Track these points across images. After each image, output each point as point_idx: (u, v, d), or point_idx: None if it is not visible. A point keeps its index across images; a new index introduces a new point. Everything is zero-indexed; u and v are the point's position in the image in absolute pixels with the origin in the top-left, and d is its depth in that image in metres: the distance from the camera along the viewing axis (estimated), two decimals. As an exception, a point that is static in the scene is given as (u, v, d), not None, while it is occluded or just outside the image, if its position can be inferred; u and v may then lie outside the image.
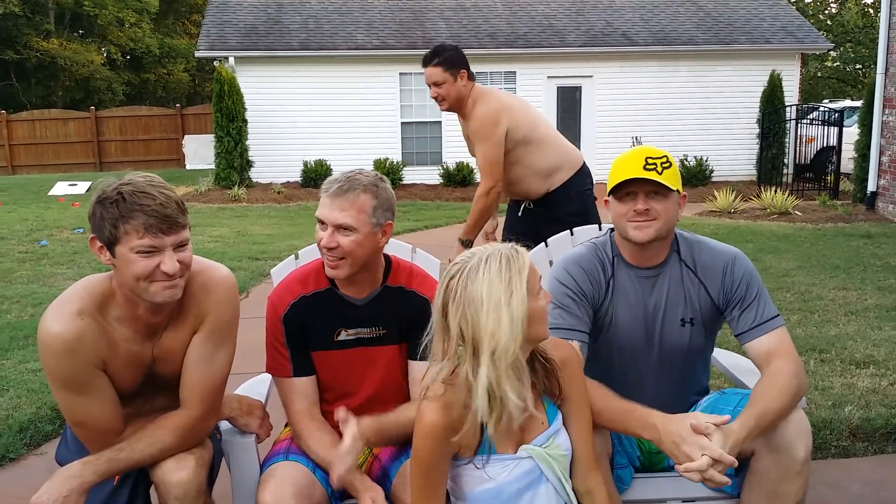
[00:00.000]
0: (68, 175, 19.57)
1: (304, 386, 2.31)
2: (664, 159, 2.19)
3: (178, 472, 2.05)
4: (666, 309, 2.32)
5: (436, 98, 4.05)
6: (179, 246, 1.97)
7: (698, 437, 1.95)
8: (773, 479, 2.10)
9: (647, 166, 2.17)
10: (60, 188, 16.36)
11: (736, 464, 1.94)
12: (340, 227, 2.14)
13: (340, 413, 2.13)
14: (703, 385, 2.50)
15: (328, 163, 15.76)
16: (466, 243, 4.04)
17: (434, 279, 2.45)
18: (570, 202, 4.03)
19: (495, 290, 1.73)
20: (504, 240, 2.92)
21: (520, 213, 4.26)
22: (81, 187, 16.34)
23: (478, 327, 1.73)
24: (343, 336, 2.31)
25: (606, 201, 2.32)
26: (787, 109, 15.80)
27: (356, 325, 2.31)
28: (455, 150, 16.31)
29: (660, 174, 2.16)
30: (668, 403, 2.21)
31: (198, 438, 2.15)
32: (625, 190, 2.20)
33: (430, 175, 16.32)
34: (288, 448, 2.30)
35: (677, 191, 2.22)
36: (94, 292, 2.03)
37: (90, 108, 24.13)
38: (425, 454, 1.86)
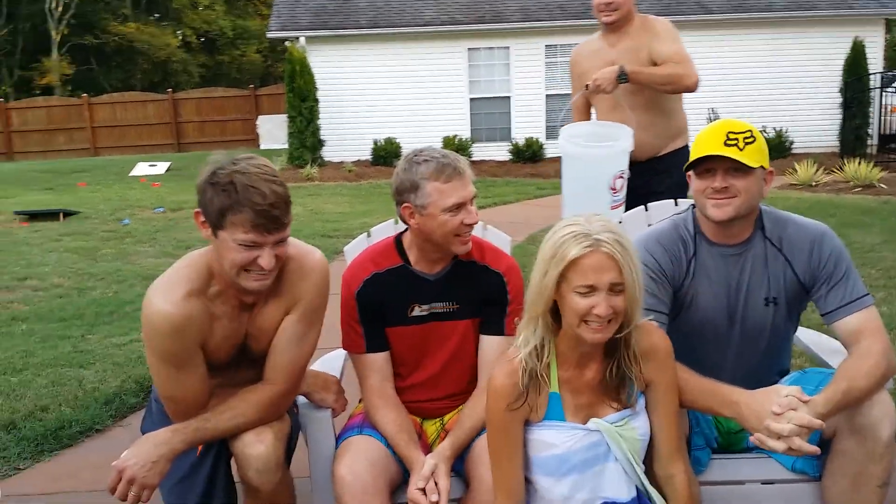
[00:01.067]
0: (148, 156, 20.13)
1: (377, 362, 2.34)
2: (748, 134, 2.11)
3: (258, 446, 2.10)
4: (749, 288, 2.25)
5: (608, 5, 3.87)
6: (279, 242, 2.01)
7: (783, 407, 1.92)
8: (857, 461, 2.04)
9: (728, 141, 2.10)
10: (141, 169, 16.85)
11: (823, 426, 1.89)
12: (471, 201, 2.21)
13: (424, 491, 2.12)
14: (785, 366, 2.44)
15: (398, 140, 15.82)
16: (622, 78, 3.63)
17: (506, 254, 2.45)
18: (675, 173, 3.51)
19: (542, 259, 1.87)
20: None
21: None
22: (161, 168, 16.80)
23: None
24: (417, 312, 2.33)
25: (689, 175, 2.27)
26: (871, 78, 15.16)
27: (429, 301, 2.33)
28: (524, 126, 16.18)
29: (741, 150, 2.09)
30: (749, 383, 2.17)
31: (278, 413, 2.20)
32: (704, 166, 2.14)
33: (499, 151, 16.23)
34: (362, 423, 2.34)
35: (762, 167, 2.14)
36: (200, 271, 2.08)
37: (167, 91, 24.74)
38: (494, 416, 1.94)
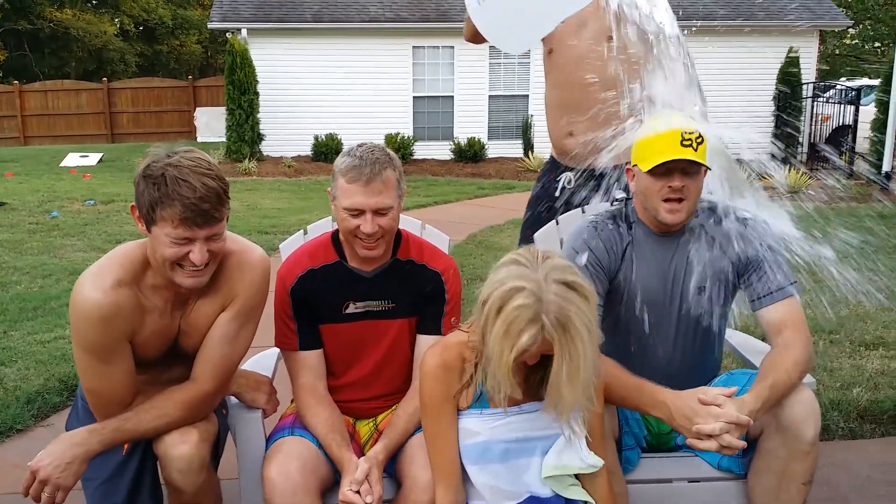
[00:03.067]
0: (80, 146, 19.59)
1: (310, 359, 2.31)
2: (698, 135, 2.17)
3: (181, 446, 2.05)
4: (685, 275, 2.30)
5: None
6: (212, 237, 1.96)
7: (710, 408, 1.95)
8: (781, 459, 2.09)
9: (684, 142, 2.15)
10: (72, 159, 16.38)
11: (751, 422, 1.93)
12: (378, 211, 2.14)
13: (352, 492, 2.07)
14: (718, 359, 2.50)
15: (339, 136, 15.70)
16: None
17: (444, 254, 2.43)
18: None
19: (495, 334, 1.73)
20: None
21: (558, 194, 3.12)
22: (93, 159, 16.36)
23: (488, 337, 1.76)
24: (351, 309, 2.31)
25: (629, 170, 2.31)
26: (804, 87, 15.60)
27: (365, 298, 2.31)
28: (467, 126, 16.23)
29: (695, 150, 2.15)
30: (685, 374, 2.23)
31: (204, 413, 2.16)
32: (663, 167, 2.18)
33: (441, 150, 16.25)
34: (293, 423, 2.30)
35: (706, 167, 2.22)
36: (133, 261, 2.03)
37: (102, 80, 24.09)
38: (427, 396, 1.96)
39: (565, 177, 3.06)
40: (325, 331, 2.33)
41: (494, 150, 16.33)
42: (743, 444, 1.94)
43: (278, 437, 2.25)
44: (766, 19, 16.34)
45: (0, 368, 4.26)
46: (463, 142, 16.02)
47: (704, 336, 2.37)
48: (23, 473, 3.15)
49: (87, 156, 16.71)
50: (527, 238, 2.98)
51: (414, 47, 16.21)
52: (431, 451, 2.00)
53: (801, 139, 15.79)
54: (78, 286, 1.98)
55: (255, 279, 2.15)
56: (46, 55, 32.34)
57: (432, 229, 2.86)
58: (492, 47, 16.27)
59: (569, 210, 2.92)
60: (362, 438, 2.38)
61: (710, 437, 1.93)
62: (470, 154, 15.92)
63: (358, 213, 2.14)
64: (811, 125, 15.63)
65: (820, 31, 17.07)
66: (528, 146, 16.14)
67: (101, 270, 2.00)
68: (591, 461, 1.93)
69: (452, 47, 16.20)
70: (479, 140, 15.92)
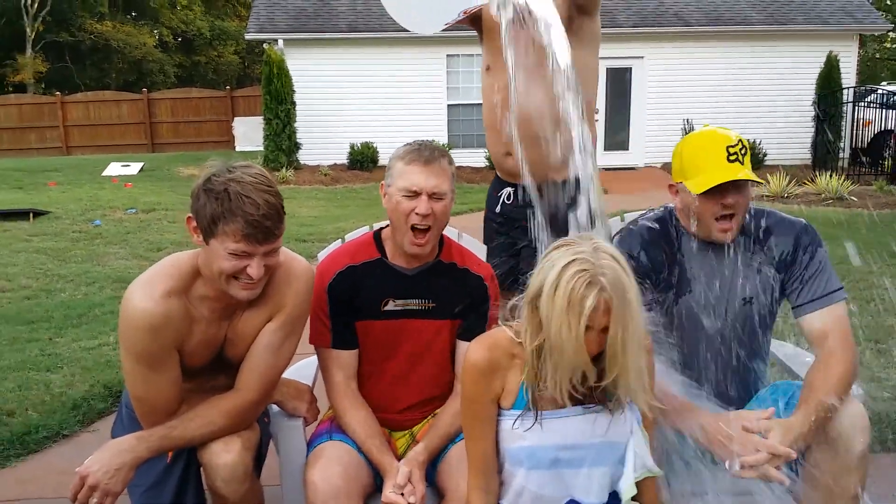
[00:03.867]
0: (121, 156, 19.92)
1: (343, 358, 2.31)
2: (740, 145, 2.12)
3: (225, 455, 2.07)
4: (732, 285, 2.26)
5: None
6: (270, 252, 1.99)
7: (751, 436, 1.92)
8: (830, 474, 2.04)
9: (730, 157, 2.10)
10: (114, 169, 16.65)
11: (794, 455, 1.90)
12: (433, 195, 2.15)
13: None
14: (764, 369, 2.45)
15: (374, 145, 15.79)
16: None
17: (484, 262, 2.43)
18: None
19: (559, 309, 1.69)
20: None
21: (498, 209, 3.04)
22: (134, 168, 16.63)
23: (549, 328, 1.72)
24: (390, 306, 2.30)
25: (673, 187, 2.26)
26: (844, 92, 15.37)
27: (404, 296, 2.30)
28: (502, 133, 16.22)
29: (742, 164, 2.10)
30: (731, 384, 2.19)
31: (248, 422, 2.18)
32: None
33: (476, 158, 16.24)
34: (330, 428, 2.31)
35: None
36: (183, 271, 2.05)
37: (142, 90, 24.50)
38: (468, 391, 1.92)
39: (505, 192, 3.01)
40: (361, 328, 2.32)
41: (529, 157, 16.29)
42: (785, 479, 1.90)
43: (318, 443, 2.26)
44: (804, 24, 16.13)
45: (46, 374, 4.35)
46: (498, 149, 15.99)
47: (751, 346, 2.34)
48: (69, 478, 3.20)
49: (128, 165, 16.98)
50: (490, 252, 2.91)
51: (448, 55, 16.25)
52: (468, 442, 1.98)
53: (841, 144, 15.54)
54: (128, 295, 2.01)
55: (300, 290, 2.17)
56: (87, 66, 32.99)
57: (469, 238, 2.86)
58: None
59: (510, 225, 2.93)
60: (399, 451, 2.37)
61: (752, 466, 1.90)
62: (505, 161, 15.88)
63: (414, 194, 2.14)
64: (852, 130, 15.38)
65: (860, 35, 16.82)
66: (564, 153, 16.07)
67: (152, 280, 2.03)
68: (652, 467, 1.91)
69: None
70: (514, 147, 15.92)
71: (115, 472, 1.96)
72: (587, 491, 1.93)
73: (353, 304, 2.29)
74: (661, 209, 2.39)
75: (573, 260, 1.69)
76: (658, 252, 2.28)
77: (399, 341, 2.33)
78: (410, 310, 2.31)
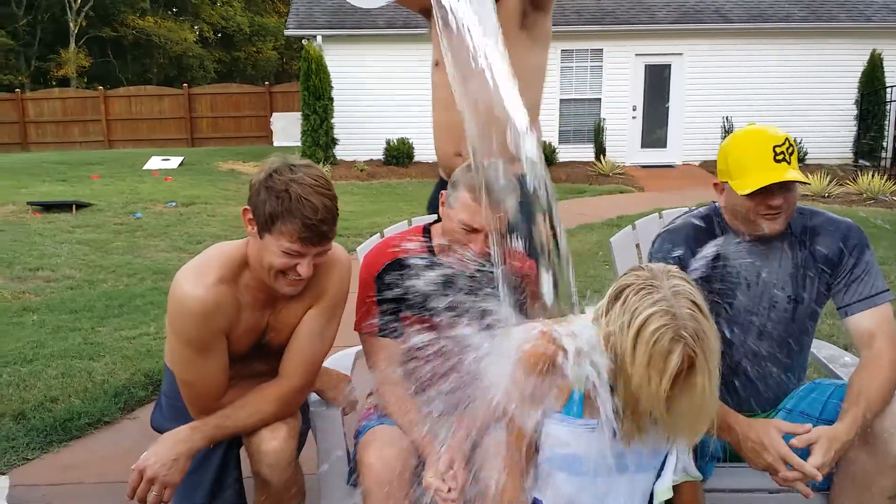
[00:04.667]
0: (162, 150, 20.21)
1: (389, 347, 2.32)
2: (788, 144, 2.08)
3: (272, 441, 2.11)
4: (774, 284, 2.24)
5: None
6: (321, 253, 2.03)
7: (779, 446, 1.92)
8: (868, 473, 2.03)
9: (777, 157, 2.06)
10: (154, 163, 16.91)
11: (820, 477, 1.90)
12: (478, 230, 2.17)
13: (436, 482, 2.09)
14: (804, 366, 2.42)
15: (410, 141, 15.83)
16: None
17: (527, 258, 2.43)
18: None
19: (639, 364, 1.64)
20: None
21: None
22: (174, 162, 16.86)
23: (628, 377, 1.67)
24: (437, 303, 2.29)
25: (718, 186, 2.24)
26: (888, 90, 15.08)
27: (454, 292, 2.28)
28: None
29: (789, 163, 2.07)
30: (770, 381, 2.19)
31: (295, 407, 2.22)
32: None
33: (512, 154, 16.21)
34: (378, 414, 2.32)
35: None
36: (233, 259, 2.09)
37: (183, 85, 24.83)
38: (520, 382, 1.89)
39: None
40: (409, 322, 2.32)
41: (565, 154, 16.23)
42: (811, 493, 1.91)
43: (368, 427, 2.27)
44: (847, 21, 15.85)
45: (88, 363, 4.44)
46: (534, 146, 15.93)
47: (793, 344, 2.31)
48: (110, 463, 3.29)
49: (168, 159, 17.23)
50: None
51: (486, 52, 16.20)
52: (510, 430, 1.96)
53: (884, 144, 15.25)
54: (179, 283, 2.04)
55: (341, 277, 2.20)
56: (129, 61, 33.52)
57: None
58: (563, 50, 16.24)
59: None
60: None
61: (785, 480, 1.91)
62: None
63: (473, 230, 2.17)
64: (895, 129, 15.08)
65: (906, 32, 16.49)
66: (600, 150, 16.00)
67: (202, 268, 2.06)
68: (694, 472, 1.90)
69: (524, 51, 16.15)
70: (549, 144, 15.85)
71: (172, 464, 2.00)
72: (629, 497, 1.92)
73: (400, 296, 2.29)
74: (708, 207, 2.37)
75: (654, 313, 1.63)
76: (701, 249, 2.25)
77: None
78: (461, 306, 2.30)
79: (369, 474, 2.10)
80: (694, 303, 1.66)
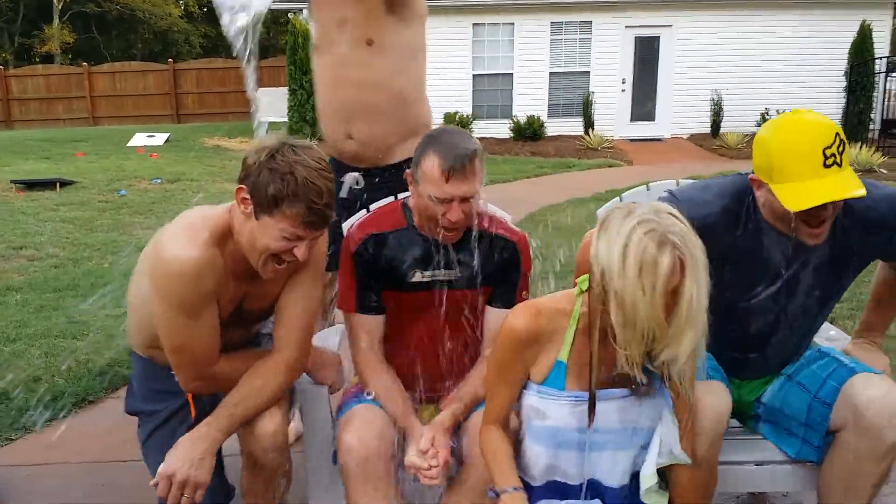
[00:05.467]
0: (147, 126, 20.03)
1: (368, 323, 2.29)
2: (839, 142, 1.86)
3: (269, 424, 2.08)
4: (799, 275, 2.12)
5: None
6: (318, 236, 1.98)
7: None
8: (857, 457, 2.01)
9: (828, 161, 1.85)
10: (139, 139, 16.76)
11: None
12: (464, 199, 2.09)
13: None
14: (813, 334, 2.34)
15: (399, 115, 15.69)
16: None
17: (515, 227, 2.39)
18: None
19: (635, 280, 1.60)
20: None
21: (345, 195, 2.91)
22: (159, 139, 16.72)
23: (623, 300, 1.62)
24: (418, 277, 2.25)
25: (756, 181, 2.02)
26: (877, 62, 15.05)
27: (433, 267, 2.24)
28: (526, 104, 16.10)
29: (840, 166, 1.86)
30: (775, 356, 2.23)
31: (295, 379, 2.18)
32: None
33: (500, 129, 16.15)
34: (358, 392, 2.30)
35: None
36: (219, 225, 2.00)
37: (168, 61, 24.56)
38: (501, 356, 1.90)
39: (350, 177, 2.93)
40: (389, 297, 2.28)
41: (554, 128, 16.17)
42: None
43: (349, 407, 2.24)
44: (838, -9, 15.77)
45: (72, 342, 4.41)
46: (522, 120, 15.90)
47: (804, 328, 2.26)
48: (94, 442, 3.26)
49: (153, 135, 17.08)
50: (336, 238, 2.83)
51: (474, 24, 16.09)
52: (488, 396, 1.97)
53: (872, 116, 15.25)
54: (166, 245, 1.94)
55: (321, 242, 2.15)
56: (114, 37, 33.12)
57: (493, 207, 2.83)
58: (553, 22, 16.13)
59: (356, 208, 2.73)
60: (424, 422, 2.32)
61: None
62: (529, 132, 15.78)
63: (444, 202, 2.09)
64: (884, 101, 15.08)
65: (894, 3, 16.42)
66: (589, 124, 15.95)
67: (192, 228, 1.98)
68: (681, 455, 1.87)
69: (513, 24, 16.05)
70: (538, 118, 15.77)
71: (199, 463, 1.96)
72: (609, 473, 1.91)
73: (379, 271, 2.26)
74: (736, 183, 2.13)
75: (638, 223, 1.62)
76: (729, 223, 2.09)
77: (427, 313, 2.29)
78: (440, 280, 2.26)
79: (346, 454, 2.08)
80: (673, 215, 1.65)
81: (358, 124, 2.85)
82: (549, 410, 1.88)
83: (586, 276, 1.76)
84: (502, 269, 2.27)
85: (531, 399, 1.91)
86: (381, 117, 2.84)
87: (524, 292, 2.28)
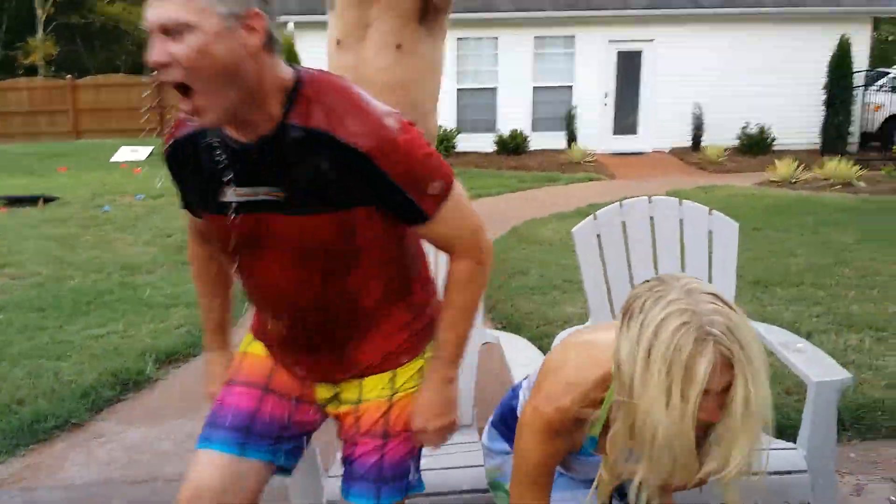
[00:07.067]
0: (131, 140, 19.98)
1: (196, 223, 1.81)
2: None
3: None
4: None
5: None
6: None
7: None
8: None
9: None
10: (123, 154, 16.72)
11: None
12: (168, 30, 1.35)
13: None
14: None
15: (383, 129, 15.74)
16: None
17: (381, 122, 1.46)
18: None
19: (658, 374, 1.31)
20: None
21: None
22: (142, 153, 16.68)
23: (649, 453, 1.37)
24: (230, 196, 1.54)
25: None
26: (856, 76, 15.26)
27: (243, 182, 1.52)
28: (510, 118, 16.20)
29: None
30: None
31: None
32: None
33: (484, 143, 16.23)
34: (209, 419, 1.76)
35: None
36: None
37: (152, 74, 24.47)
38: (534, 454, 1.63)
39: None
40: (212, 225, 1.63)
41: (537, 142, 16.26)
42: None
43: (198, 446, 1.74)
44: (818, 5, 15.97)
45: (56, 363, 4.41)
46: (506, 134, 15.99)
47: None
48: (78, 467, 3.27)
49: (136, 150, 17.05)
50: None
51: (459, 39, 16.19)
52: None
53: (851, 129, 15.45)
54: None
55: None
56: (98, 49, 33.02)
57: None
58: (536, 37, 16.24)
59: None
60: (318, 400, 1.79)
61: None
62: (512, 146, 15.87)
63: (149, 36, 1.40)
64: (863, 115, 15.27)
65: (874, 17, 16.66)
66: (572, 137, 16.05)
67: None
68: None
69: (496, 38, 16.17)
70: (521, 132, 15.86)
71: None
72: None
73: (186, 182, 1.65)
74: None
75: (668, 315, 1.32)
76: None
77: (262, 251, 1.57)
78: (255, 202, 1.52)
79: None
80: (714, 295, 1.35)
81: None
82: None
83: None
84: (356, 186, 1.47)
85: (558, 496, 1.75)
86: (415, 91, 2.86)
87: (433, 184, 1.51)
